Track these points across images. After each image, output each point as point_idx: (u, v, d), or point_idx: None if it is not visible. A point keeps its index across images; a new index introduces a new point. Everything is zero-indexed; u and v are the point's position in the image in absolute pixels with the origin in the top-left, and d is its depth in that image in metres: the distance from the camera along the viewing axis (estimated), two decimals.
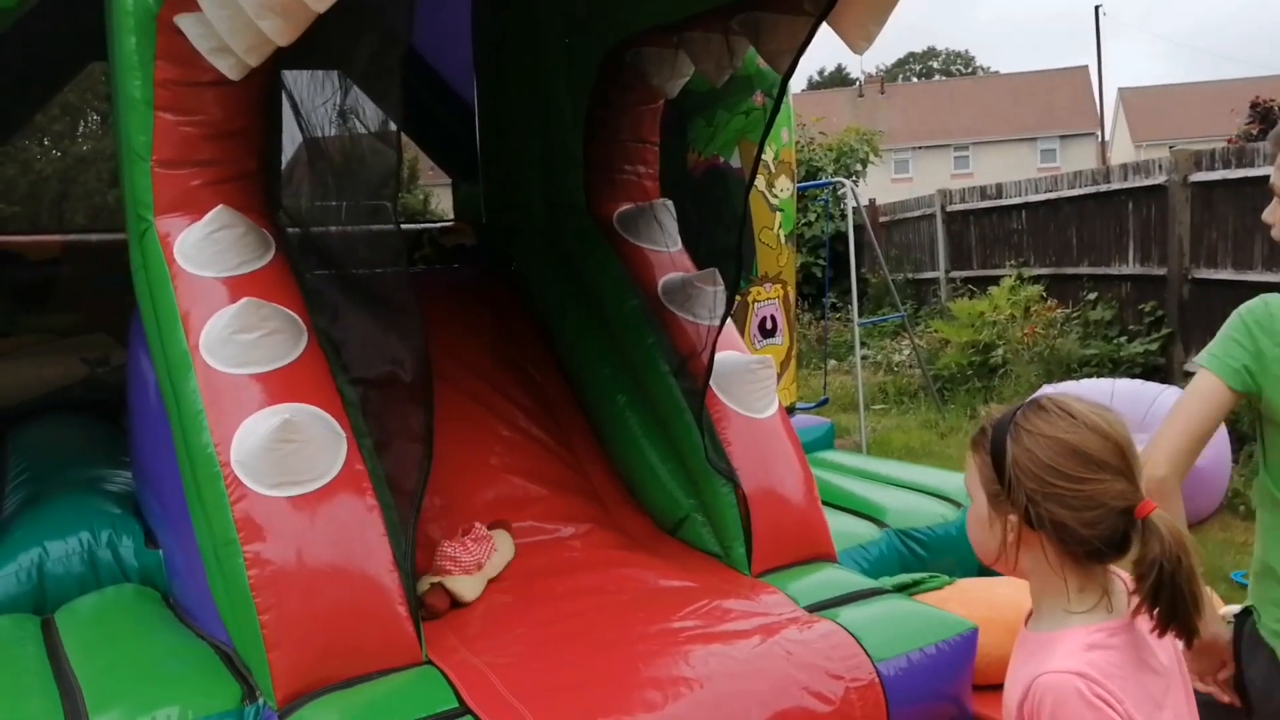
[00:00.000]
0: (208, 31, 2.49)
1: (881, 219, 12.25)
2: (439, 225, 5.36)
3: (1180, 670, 1.25)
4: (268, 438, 2.37)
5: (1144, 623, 1.17)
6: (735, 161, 4.97)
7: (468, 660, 2.47)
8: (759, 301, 5.42)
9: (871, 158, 12.45)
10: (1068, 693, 1.10)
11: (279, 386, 2.53)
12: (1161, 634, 1.16)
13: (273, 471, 2.38)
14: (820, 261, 9.87)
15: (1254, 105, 12.80)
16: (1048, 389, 5.52)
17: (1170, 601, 1.12)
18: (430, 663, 2.44)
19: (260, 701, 2.31)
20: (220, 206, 2.73)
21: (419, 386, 2.42)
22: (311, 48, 2.40)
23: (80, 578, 2.99)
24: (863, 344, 8.89)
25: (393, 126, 2.32)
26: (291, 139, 2.80)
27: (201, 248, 2.68)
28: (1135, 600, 1.16)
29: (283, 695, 2.28)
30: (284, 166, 2.93)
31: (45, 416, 4.05)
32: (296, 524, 2.38)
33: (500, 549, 2.97)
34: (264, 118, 2.86)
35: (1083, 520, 1.13)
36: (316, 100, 2.70)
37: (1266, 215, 1.92)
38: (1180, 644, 1.22)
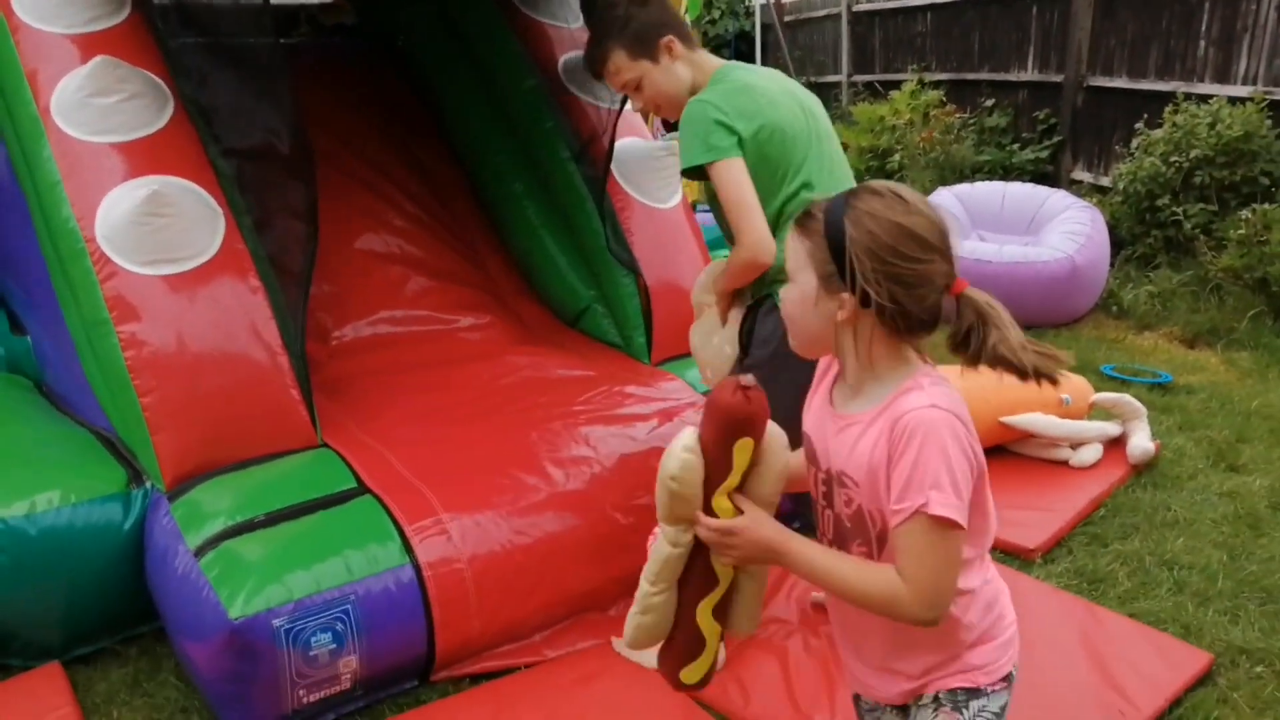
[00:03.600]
0: None
1: (787, 18, 11.86)
2: (316, 1, 4.89)
3: None
4: (135, 211, 2.19)
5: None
6: None
7: (365, 441, 2.44)
8: None
9: None
10: (938, 423, 1.18)
11: (143, 157, 2.31)
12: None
13: (143, 248, 2.22)
14: None
15: None
16: (943, 191, 5.59)
17: (993, 359, 1.22)
18: (326, 445, 2.41)
19: (148, 485, 2.25)
20: None
21: (298, 160, 2.25)
22: None
23: None
24: None
25: None
26: None
27: None
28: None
29: (171, 477, 2.22)
30: None
31: None
32: (174, 304, 2.25)
33: None
34: None
35: (914, 296, 1.20)
36: None
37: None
38: None
